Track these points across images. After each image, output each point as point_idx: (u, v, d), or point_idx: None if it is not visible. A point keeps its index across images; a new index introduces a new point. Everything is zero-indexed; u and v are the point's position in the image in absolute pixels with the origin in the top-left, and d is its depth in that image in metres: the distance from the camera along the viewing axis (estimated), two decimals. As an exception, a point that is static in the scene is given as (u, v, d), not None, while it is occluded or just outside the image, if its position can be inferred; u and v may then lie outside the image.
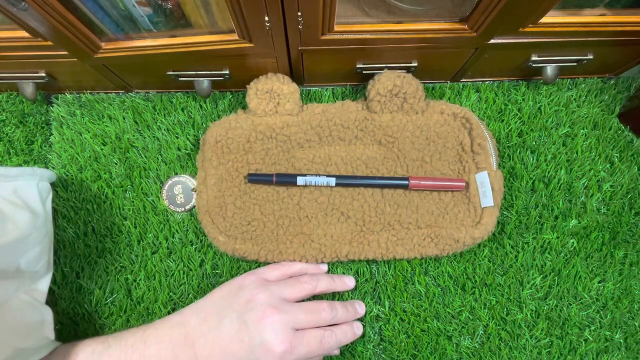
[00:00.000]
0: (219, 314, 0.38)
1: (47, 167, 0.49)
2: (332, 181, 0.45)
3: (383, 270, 0.47)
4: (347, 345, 0.45)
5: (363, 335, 0.46)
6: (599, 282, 0.47)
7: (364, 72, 0.46)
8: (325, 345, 0.39)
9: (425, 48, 0.42)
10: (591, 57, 0.45)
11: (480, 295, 0.46)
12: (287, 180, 0.45)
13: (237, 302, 0.38)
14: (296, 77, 0.48)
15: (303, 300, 0.42)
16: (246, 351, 0.36)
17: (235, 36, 0.39)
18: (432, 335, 0.46)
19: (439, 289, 0.46)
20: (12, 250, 0.39)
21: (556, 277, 0.47)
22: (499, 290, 0.46)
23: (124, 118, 0.50)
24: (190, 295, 0.46)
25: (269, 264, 0.46)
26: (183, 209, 0.48)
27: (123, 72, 0.46)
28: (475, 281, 0.47)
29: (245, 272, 0.47)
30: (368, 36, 0.40)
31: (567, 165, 0.49)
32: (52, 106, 0.51)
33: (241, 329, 0.37)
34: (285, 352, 0.36)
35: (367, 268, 0.47)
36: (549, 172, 0.49)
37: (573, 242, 0.47)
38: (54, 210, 0.47)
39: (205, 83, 0.46)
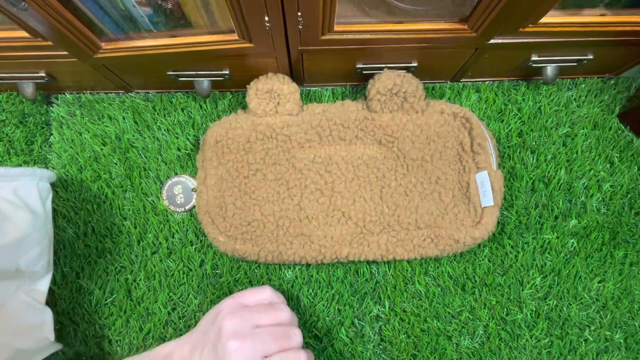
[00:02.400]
0: (201, 344, 0.37)
1: (47, 167, 0.49)
2: None
3: (383, 270, 0.47)
4: (346, 345, 0.45)
5: (363, 336, 0.46)
6: (599, 282, 0.47)
7: (364, 72, 0.46)
8: None
9: (425, 48, 0.42)
10: (591, 57, 0.45)
11: (480, 295, 0.46)
12: None
13: (212, 330, 0.37)
14: (296, 77, 0.48)
15: None
16: None
17: (235, 36, 0.39)
18: (432, 335, 0.46)
19: (439, 289, 0.46)
20: (12, 251, 0.39)
21: (556, 277, 0.47)
22: (499, 290, 0.46)
23: (124, 118, 0.50)
24: (190, 296, 0.46)
25: (268, 264, 0.47)
26: (183, 209, 0.48)
27: (123, 72, 0.46)
28: (475, 281, 0.47)
29: (244, 272, 0.47)
30: (368, 36, 0.40)
31: (567, 165, 0.49)
32: (52, 106, 0.51)
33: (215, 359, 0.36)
34: None
35: (367, 268, 0.47)
36: (549, 172, 0.49)
37: (573, 242, 0.47)
38: (54, 210, 0.47)
39: (205, 83, 0.46)
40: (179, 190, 0.48)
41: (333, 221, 0.45)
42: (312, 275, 0.47)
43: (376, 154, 0.47)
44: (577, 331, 0.46)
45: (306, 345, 0.46)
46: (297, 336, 0.38)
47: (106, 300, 0.46)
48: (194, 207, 0.48)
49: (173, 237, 0.47)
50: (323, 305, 0.46)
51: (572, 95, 0.51)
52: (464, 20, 0.39)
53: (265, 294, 0.41)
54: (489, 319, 0.46)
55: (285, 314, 0.39)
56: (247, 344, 0.35)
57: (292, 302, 0.46)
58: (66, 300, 0.46)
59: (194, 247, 0.47)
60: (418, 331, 0.46)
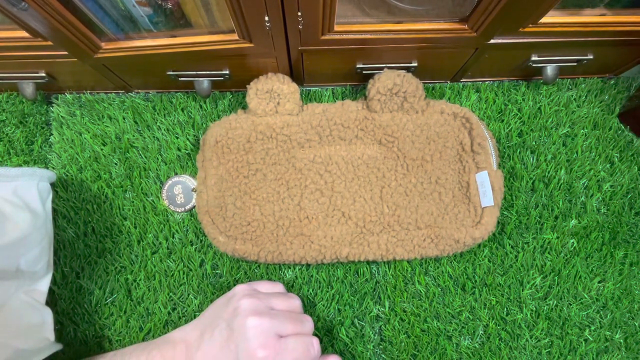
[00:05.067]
0: (212, 325, 0.38)
1: (47, 168, 0.49)
2: None
3: (383, 270, 0.47)
4: (346, 345, 0.45)
5: (363, 336, 0.46)
6: (599, 282, 0.47)
7: (364, 72, 0.46)
8: (313, 354, 0.37)
9: (425, 48, 0.42)
10: (591, 57, 0.45)
11: (480, 295, 0.46)
12: None
13: (226, 311, 0.38)
14: (296, 77, 0.48)
15: None
16: (234, 358, 0.36)
17: (235, 36, 0.39)
18: (432, 335, 0.46)
19: (439, 289, 0.46)
20: (12, 251, 0.39)
21: (556, 277, 0.47)
22: (499, 290, 0.46)
23: (123, 118, 0.50)
24: (190, 296, 0.46)
25: (268, 264, 0.47)
26: (183, 209, 0.48)
27: (123, 72, 0.46)
28: (475, 281, 0.47)
29: (244, 272, 0.47)
30: (368, 36, 0.40)
31: (567, 165, 0.49)
32: (52, 106, 0.51)
33: (229, 337, 0.37)
34: (267, 357, 0.35)
35: (367, 268, 0.47)
36: (549, 172, 0.49)
37: (573, 242, 0.47)
38: (54, 211, 0.47)
39: (205, 83, 0.46)
40: (179, 190, 0.48)
41: (333, 221, 0.45)
42: (312, 275, 0.47)
43: (376, 153, 0.47)
44: (577, 331, 0.46)
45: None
46: (309, 323, 0.40)
47: (106, 300, 0.46)
48: (194, 207, 0.48)
49: (173, 237, 0.47)
50: (323, 305, 0.46)
51: (572, 95, 0.51)
52: (464, 20, 0.39)
53: (278, 285, 0.43)
54: (489, 319, 0.46)
55: (298, 302, 0.41)
56: (266, 320, 0.36)
57: (292, 302, 0.47)
58: (66, 300, 0.46)
59: (194, 247, 0.47)
60: (418, 331, 0.46)
